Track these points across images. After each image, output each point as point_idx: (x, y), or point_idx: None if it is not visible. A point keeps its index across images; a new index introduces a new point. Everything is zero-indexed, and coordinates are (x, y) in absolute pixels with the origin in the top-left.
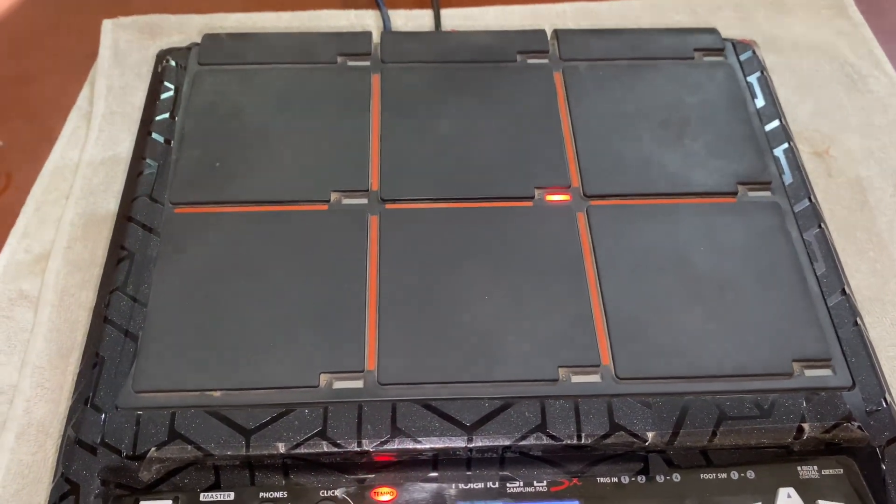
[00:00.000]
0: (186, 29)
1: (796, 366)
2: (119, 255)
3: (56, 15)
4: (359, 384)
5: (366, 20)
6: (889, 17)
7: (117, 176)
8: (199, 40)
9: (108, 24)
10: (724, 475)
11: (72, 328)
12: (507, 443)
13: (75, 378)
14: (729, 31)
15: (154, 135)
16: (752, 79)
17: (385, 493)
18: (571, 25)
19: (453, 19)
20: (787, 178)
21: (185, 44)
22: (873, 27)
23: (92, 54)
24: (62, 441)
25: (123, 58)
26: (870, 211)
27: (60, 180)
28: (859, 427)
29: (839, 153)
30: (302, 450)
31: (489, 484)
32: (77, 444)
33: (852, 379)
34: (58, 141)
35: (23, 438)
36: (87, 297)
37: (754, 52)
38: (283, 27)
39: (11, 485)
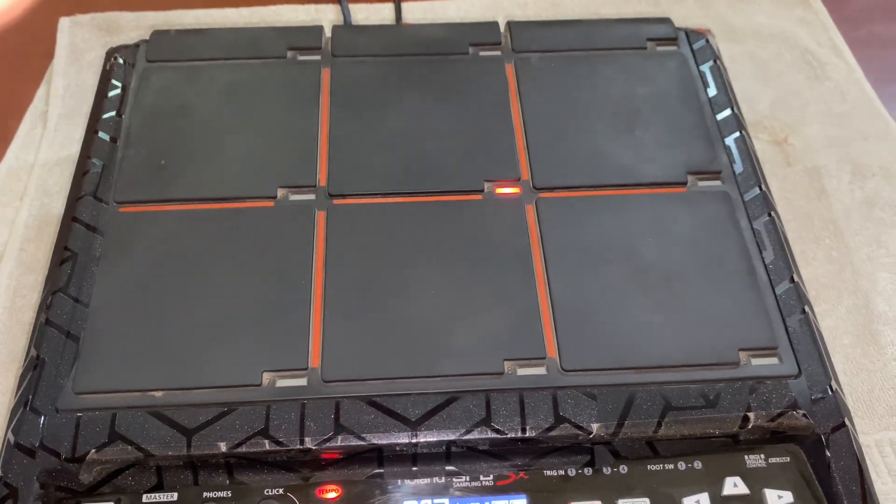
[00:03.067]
0: (143, 25)
1: (742, 355)
2: (63, 255)
3: (12, 13)
4: (302, 382)
5: (327, 14)
6: (849, 5)
7: (72, 176)
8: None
9: (65, 22)
10: (670, 466)
11: (24, 330)
12: (452, 437)
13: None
14: (690, 20)
15: (101, 133)
16: (705, 68)
17: (330, 491)
18: (532, 17)
19: (414, 13)
20: (738, 167)
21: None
22: (834, 15)
23: (48, 53)
24: (2, 445)
25: (80, 56)
26: (827, 199)
27: (15, 181)
28: (804, 415)
29: (798, 141)
30: (244, 448)
31: (435, 479)
32: (16, 447)
33: (798, 367)
34: (13, 142)
35: None
36: (38, 300)
37: (707, 42)
38: (242, 23)
39: None
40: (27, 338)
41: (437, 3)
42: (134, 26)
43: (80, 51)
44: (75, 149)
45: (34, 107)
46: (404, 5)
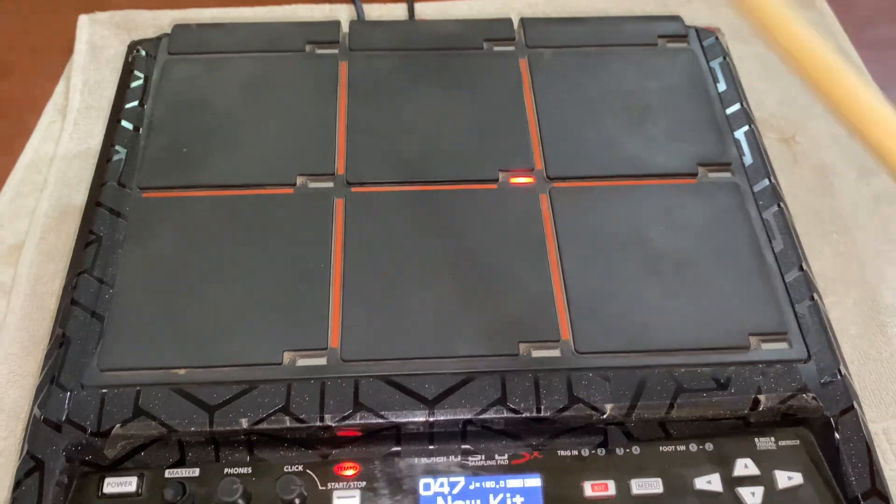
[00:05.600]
0: (161, 24)
1: (753, 339)
2: (87, 238)
3: (32, 10)
4: (322, 361)
5: (340, 14)
6: (856, 8)
7: (91, 168)
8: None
9: (84, 20)
10: (682, 447)
11: (44, 316)
12: (468, 416)
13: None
14: (698, 21)
15: (123, 122)
16: (715, 64)
17: (348, 468)
18: (542, 14)
19: (427, 10)
20: (748, 160)
21: None
22: (841, 18)
23: (68, 50)
24: (29, 420)
25: (99, 53)
26: (834, 195)
27: (35, 173)
28: (814, 398)
29: (805, 139)
30: (265, 425)
31: (451, 458)
32: (43, 422)
33: (808, 352)
34: (33, 135)
35: None
36: (59, 287)
37: (717, 39)
38: (258, 21)
39: None
40: (48, 323)
41: (449, 2)
42: (151, 24)
43: (98, 47)
44: (94, 142)
45: (54, 101)
46: (416, 4)
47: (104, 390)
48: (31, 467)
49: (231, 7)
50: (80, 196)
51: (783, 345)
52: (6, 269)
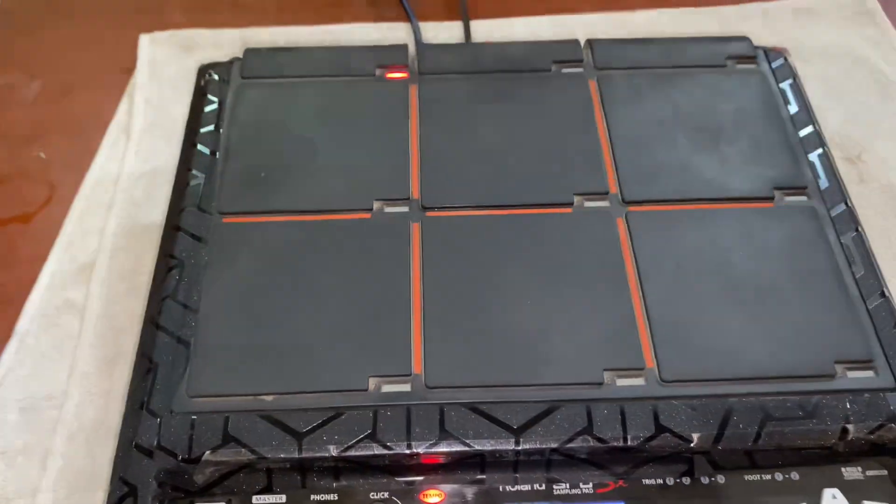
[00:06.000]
0: (220, 43)
1: (839, 367)
2: (169, 263)
3: (94, 30)
4: (406, 388)
5: (397, 33)
6: None
7: (157, 187)
8: (232, 54)
9: (145, 39)
10: (768, 476)
11: (117, 335)
12: (553, 445)
13: (127, 383)
14: (757, 40)
15: (199, 146)
16: (785, 85)
17: (433, 495)
18: (600, 35)
19: (481, 30)
20: (823, 183)
21: (219, 57)
22: None
23: (129, 69)
24: (118, 445)
25: (160, 72)
26: None
27: (102, 192)
28: None
29: (871, 159)
30: (353, 452)
31: (535, 486)
32: (134, 447)
33: (895, 380)
34: (98, 153)
35: (73, 442)
36: (131, 305)
37: (786, 60)
38: (316, 41)
39: (63, 488)
40: (122, 342)
41: (504, 21)
42: (211, 43)
43: (159, 66)
44: (158, 160)
45: (116, 121)
46: (472, 23)
47: (194, 416)
48: (125, 493)
49: (289, 25)
50: (147, 215)
51: (870, 373)
52: (79, 287)
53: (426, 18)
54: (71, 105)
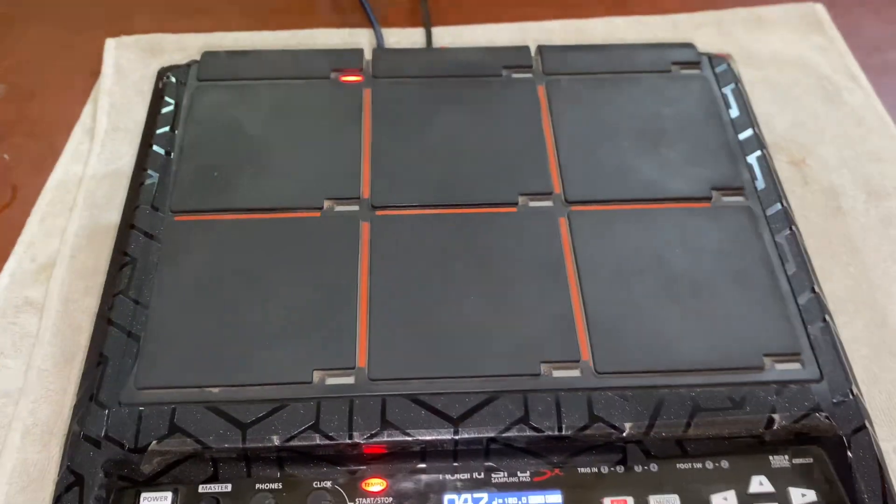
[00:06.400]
0: (186, 47)
1: (767, 360)
2: (122, 260)
3: (61, 34)
4: (350, 380)
5: (359, 38)
6: (864, 32)
7: (119, 189)
8: (198, 58)
9: (110, 43)
10: (699, 465)
11: (75, 333)
12: (491, 434)
13: (79, 379)
14: (709, 47)
15: (155, 147)
16: (727, 90)
17: (375, 484)
18: (558, 42)
19: (444, 37)
20: (760, 184)
21: (185, 62)
22: (849, 42)
23: (95, 72)
24: (66, 436)
25: (125, 76)
26: (844, 217)
27: (64, 193)
28: (826, 417)
29: (815, 163)
30: (296, 442)
31: (475, 474)
32: (82, 438)
33: (820, 372)
34: (62, 155)
35: (28, 438)
36: (90, 304)
37: (729, 66)
38: (280, 45)
39: (17, 482)
40: (79, 340)
41: (466, 27)
42: (176, 48)
43: (125, 70)
44: (122, 163)
45: (81, 123)
46: (434, 30)
47: (141, 408)
48: (71, 482)
49: (253, 31)
50: (109, 216)
51: (796, 365)
52: (38, 286)
53: (390, 25)
54: (36, 107)
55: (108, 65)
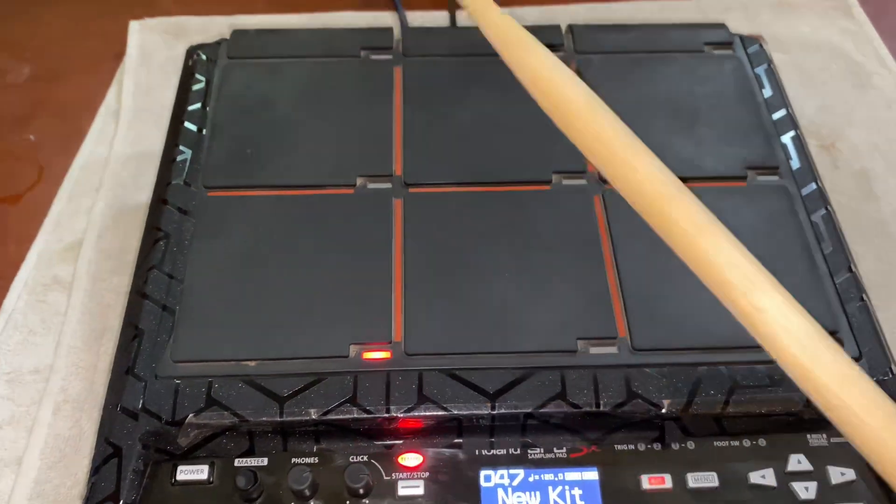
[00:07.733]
0: (210, 30)
1: None
2: (155, 235)
3: (86, 17)
4: (387, 354)
5: (384, 21)
6: (893, 16)
7: (145, 170)
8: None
9: (135, 26)
10: (736, 443)
11: (103, 311)
12: (528, 409)
13: (112, 355)
14: (737, 31)
15: (186, 124)
16: (760, 70)
17: (411, 459)
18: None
19: (468, 20)
20: (795, 164)
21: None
22: (878, 27)
23: (119, 54)
24: (103, 408)
25: (149, 58)
26: (875, 201)
27: (90, 174)
28: None
29: (845, 147)
30: (332, 416)
31: (511, 450)
32: (119, 410)
33: (859, 350)
34: (87, 137)
35: (59, 414)
36: (118, 283)
37: (761, 46)
38: (304, 28)
39: (49, 457)
40: (107, 317)
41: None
42: (200, 30)
43: (149, 53)
44: (146, 144)
45: (106, 105)
46: (458, 12)
47: (178, 381)
48: (109, 454)
49: (276, 14)
50: (134, 196)
51: None
52: (66, 265)
53: (413, 8)
54: (61, 89)
55: (132, 47)
